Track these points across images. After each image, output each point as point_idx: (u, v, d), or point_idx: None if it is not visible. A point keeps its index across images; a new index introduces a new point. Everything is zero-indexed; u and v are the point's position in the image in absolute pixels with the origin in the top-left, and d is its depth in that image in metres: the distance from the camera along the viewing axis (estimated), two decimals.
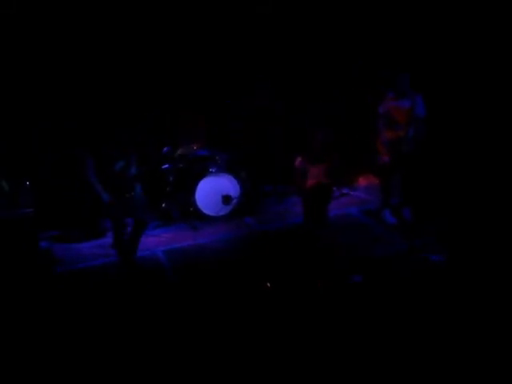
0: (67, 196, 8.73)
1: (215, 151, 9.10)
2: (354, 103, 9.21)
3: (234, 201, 8.84)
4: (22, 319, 6.33)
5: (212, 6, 8.95)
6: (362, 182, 9.48)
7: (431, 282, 6.22)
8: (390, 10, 8.93)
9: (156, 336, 5.85)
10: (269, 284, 6.53)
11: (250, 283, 6.62)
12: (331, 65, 9.28)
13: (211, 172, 8.83)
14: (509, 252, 6.45)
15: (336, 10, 9.14)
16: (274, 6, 9.11)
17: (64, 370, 5.49)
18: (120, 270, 7.46)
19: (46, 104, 8.70)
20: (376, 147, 7.86)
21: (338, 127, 8.63)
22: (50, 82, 8.66)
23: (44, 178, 8.69)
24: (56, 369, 5.52)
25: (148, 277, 7.28)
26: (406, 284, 6.27)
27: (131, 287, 7.01)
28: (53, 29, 8.46)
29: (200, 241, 8.21)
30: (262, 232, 8.31)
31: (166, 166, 8.85)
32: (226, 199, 8.81)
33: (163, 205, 8.86)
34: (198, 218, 8.75)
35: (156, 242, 8.24)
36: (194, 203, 8.73)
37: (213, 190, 8.78)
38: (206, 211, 8.77)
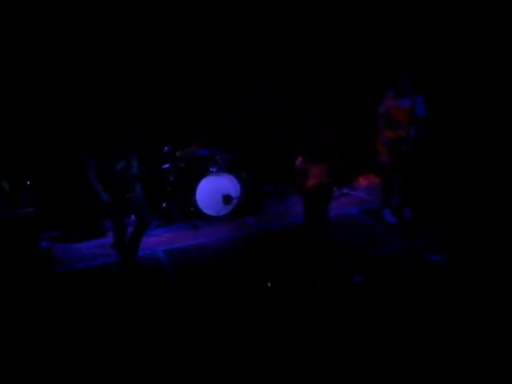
0: (67, 196, 8.74)
1: (215, 151, 9.10)
2: (353, 103, 9.21)
3: (235, 201, 8.85)
4: (22, 319, 6.33)
5: (212, 6, 8.96)
6: (363, 181, 9.48)
7: (431, 282, 6.22)
8: (390, 10, 8.93)
9: (156, 336, 5.85)
10: (269, 284, 6.54)
11: (250, 283, 6.62)
12: (331, 65, 9.28)
13: (212, 172, 8.84)
14: (509, 252, 6.45)
15: (336, 10, 9.14)
16: (274, 6, 9.11)
17: (64, 370, 5.49)
18: (120, 269, 7.47)
19: (46, 104, 8.70)
20: (376, 147, 7.86)
21: (338, 127, 8.64)
22: (50, 82, 8.66)
23: (44, 177, 8.69)
24: (56, 369, 5.53)
25: (148, 276, 7.28)
26: (405, 284, 6.27)
27: (131, 287, 7.01)
28: (53, 29, 8.46)
29: (200, 240, 8.22)
30: (263, 232, 8.32)
31: (167, 165, 8.86)
32: (227, 199, 8.82)
33: (164, 204, 8.86)
34: (198, 217, 8.76)
35: (156, 241, 8.25)
36: (194, 203, 8.73)
37: (213, 190, 8.79)
38: (207, 211, 8.78)
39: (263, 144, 9.46)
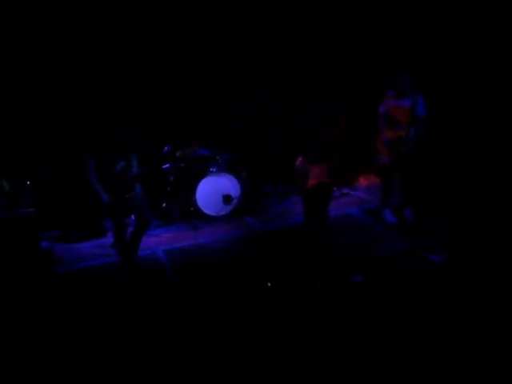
0: (67, 196, 8.74)
1: (215, 151, 9.10)
2: (353, 103, 9.21)
3: (235, 201, 8.85)
4: (22, 319, 6.33)
5: (212, 6, 8.96)
6: (363, 181, 9.47)
7: (431, 282, 6.22)
8: (390, 10, 8.93)
9: (156, 336, 5.85)
10: (269, 284, 6.54)
11: (250, 283, 6.62)
12: (331, 65, 9.28)
13: (212, 172, 8.84)
14: (509, 252, 6.45)
15: (336, 10, 9.14)
16: (274, 6, 9.11)
17: (64, 370, 5.49)
18: (120, 269, 7.47)
19: (46, 104, 8.70)
20: (376, 147, 7.86)
21: (338, 127, 8.64)
22: (50, 82, 8.66)
23: (44, 177, 8.69)
24: (56, 369, 5.53)
25: (148, 276, 7.28)
26: (406, 284, 6.27)
27: (132, 287, 7.01)
28: (53, 29, 8.46)
29: (200, 240, 8.22)
30: (263, 232, 8.32)
31: (167, 165, 8.86)
32: (227, 199, 8.82)
33: (164, 204, 8.86)
34: (198, 217, 8.76)
35: (157, 241, 8.25)
36: (194, 203, 8.73)
37: (213, 190, 8.79)
38: (207, 211, 8.78)
39: (263, 144, 9.46)
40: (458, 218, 7.38)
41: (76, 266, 7.82)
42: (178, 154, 8.92)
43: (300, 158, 6.94)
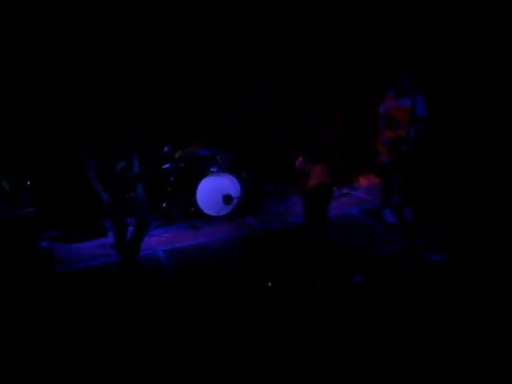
0: (67, 196, 8.74)
1: (216, 151, 9.11)
2: (354, 103, 9.21)
3: (235, 201, 8.85)
4: (22, 319, 6.33)
5: (212, 6, 8.95)
6: (363, 181, 9.48)
7: (431, 282, 6.22)
8: (390, 10, 8.93)
9: (156, 336, 5.85)
10: (270, 284, 6.54)
11: (250, 283, 6.62)
12: (331, 65, 9.28)
13: (212, 172, 8.84)
14: (509, 252, 6.45)
15: (336, 10, 9.14)
16: (274, 6, 9.11)
17: (64, 370, 5.50)
18: (121, 269, 7.47)
19: (46, 104, 8.70)
20: (376, 147, 7.86)
21: (338, 127, 8.63)
22: (50, 82, 8.66)
23: (44, 177, 8.70)
24: (56, 369, 5.53)
25: (148, 276, 7.28)
26: (405, 284, 6.27)
27: (132, 287, 7.01)
28: (53, 29, 8.46)
29: (201, 240, 8.22)
30: (263, 232, 8.32)
31: (167, 165, 8.86)
32: (227, 199, 8.82)
33: (164, 205, 8.87)
34: (198, 217, 8.76)
35: (157, 241, 8.26)
36: (194, 203, 8.73)
37: (214, 190, 8.79)
38: (207, 211, 8.78)
39: (263, 144, 9.46)
40: (458, 217, 7.38)
41: (76, 265, 7.82)
42: (177, 155, 8.92)
43: (300, 158, 6.94)
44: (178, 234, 8.56)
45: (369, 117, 8.15)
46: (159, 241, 8.29)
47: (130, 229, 7.58)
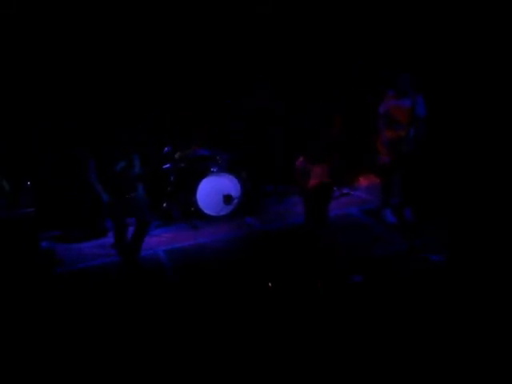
0: (68, 196, 8.74)
1: (216, 151, 9.11)
2: (354, 103, 9.21)
3: (235, 201, 8.85)
4: (22, 319, 6.33)
5: (212, 6, 8.95)
6: (363, 181, 9.48)
7: (431, 282, 6.22)
8: (390, 10, 8.93)
9: (156, 336, 5.85)
10: (270, 284, 6.54)
11: (250, 283, 6.62)
12: (331, 65, 9.28)
13: (212, 172, 8.84)
14: (509, 252, 6.45)
15: (336, 10, 9.14)
16: (274, 6, 9.11)
17: (64, 370, 5.50)
18: (121, 269, 7.47)
19: (46, 104, 8.70)
20: (376, 147, 7.86)
21: (338, 127, 8.63)
22: (50, 82, 8.66)
23: (44, 177, 8.69)
24: (56, 369, 5.53)
25: (149, 276, 7.28)
26: (406, 284, 6.27)
27: (132, 287, 7.01)
28: (53, 29, 8.46)
29: (201, 240, 8.22)
30: (263, 232, 8.32)
31: (167, 165, 8.86)
32: (227, 199, 8.82)
33: (164, 205, 8.87)
34: (198, 217, 8.76)
35: (157, 241, 8.26)
36: (195, 203, 8.73)
37: (214, 190, 8.79)
38: (207, 211, 8.78)
39: (263, 144, 9.46)
40: (458, 218, 7.38)
41: (76, 266, 7.82)
42: (176, 155, 8.92)
43: (300, 158, 6.94)
44: (178, 233, 8.56)
45: (369, 117, 8.14)
46: (159, 241, 8.29)
47: (130, 229, 7.58)
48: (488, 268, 6.23)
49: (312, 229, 6.85)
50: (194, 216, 8.78)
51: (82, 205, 8.60)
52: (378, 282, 6.37)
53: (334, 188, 8.04)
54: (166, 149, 8.81)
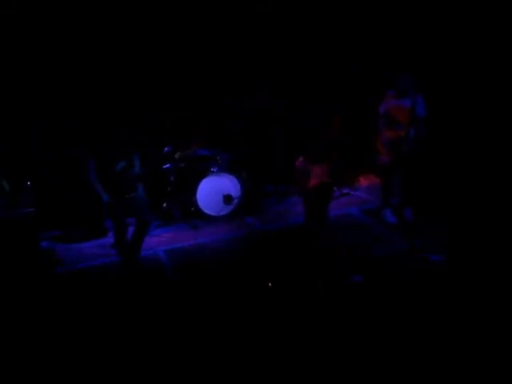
0: (68, 196, 8.74)
1: (216, 151, 9.11)
2: (353, 103, 9.21)
3: (235, 201, 8.85)
4: (22, 319, 6.33)
5: (212, 6, 8.95)
6: (363, 181, 9.48)
7: (431, 282, 6.22)
8: (390, 10, 8.93)
9: (156, 336, 5.85)
10: (270, 284, 6.54)
11: (250, 283, 6.62)
12: (331, 65, 9.28)
13: (212, 172, 8.84)
14: (509, 252, 6.45)
15: (336, 10, 9.14)
16: (274, 6, 9.11)
17: (64, 370, 5.50)
18: (121, 269, 7.47)
19: (46, 104, 8.70)
20: (376, 147, 7.86)
21: (338, 127, 8.63)
22: (50, 82, 8.66)
23: (44, 177, 8.69)
24: (56, 369, 5.53)
25: (149, 276, 7.29)
26: (406, 284, 6.27)
27: (132, 287, 7.01)
28: (53, 29, 8.46)
29: (201, 240, 8.23)
30: (263, 232, 8.32)
31: (167, 165, 8.86)
32: (227, 199, 8.82)
33: (164, 205, 8.87)
34: (198, 217, 8.76)
35: (157, 241, 8.26)
36: (195, 203, 8.73)
37: (214, 190, 8.79)
38: (207, 211, 8.78)
39: (263, 144, 9.46)
40: (458, 218, 7.38)
41: (76, 266, 7.82)
42: (176, 155, 8.92)
43: (300, 158, 6.94)
44: (178, 233, 8.56)
45: (369, 117, 8.14)
46: (159, 241, 8.29)
47: (130, 229, 7.58)
48: (488, 268, 6.23)
49: (312, 229, 6.85)
50: (194, 216, 8.78)
51: (82, 205, 8.60)
52: (378, 282, 6.38)
53: (334, 188, 8.04)
54: (166, 149, 8.82)
